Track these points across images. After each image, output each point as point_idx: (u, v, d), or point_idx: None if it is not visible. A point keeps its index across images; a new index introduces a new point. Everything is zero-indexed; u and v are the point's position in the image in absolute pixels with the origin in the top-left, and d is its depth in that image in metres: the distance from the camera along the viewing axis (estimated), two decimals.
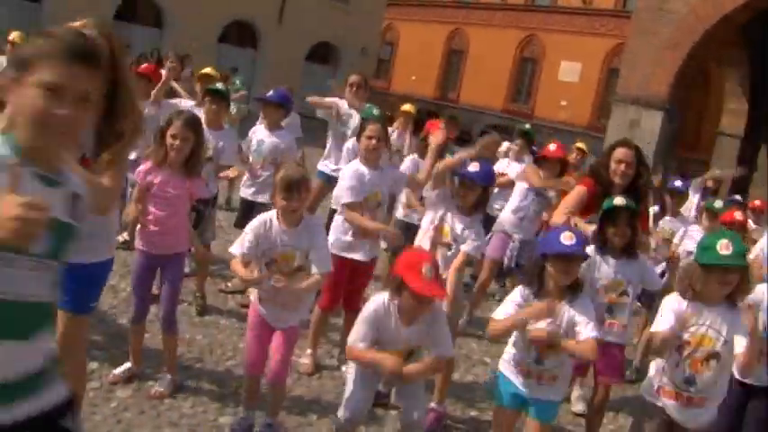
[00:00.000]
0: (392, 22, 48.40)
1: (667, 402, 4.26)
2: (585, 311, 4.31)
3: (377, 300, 4.40)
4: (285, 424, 5.08)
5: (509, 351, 4.53)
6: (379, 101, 31.35)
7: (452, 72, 47.36)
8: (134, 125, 3.21)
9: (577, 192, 6.18)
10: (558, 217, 6.06)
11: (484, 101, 41.76)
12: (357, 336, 4.33)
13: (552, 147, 8.48)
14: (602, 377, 5.39)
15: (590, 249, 5.15)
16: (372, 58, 38.34)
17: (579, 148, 11.36)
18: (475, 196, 5.58)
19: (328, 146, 8.71)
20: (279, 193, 4.57)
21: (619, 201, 5.21)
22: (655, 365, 4.43)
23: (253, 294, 4.87)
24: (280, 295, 4.63)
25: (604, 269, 5.21)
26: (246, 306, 5.55)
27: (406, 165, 7.80)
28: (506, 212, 8.13)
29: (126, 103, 3.14)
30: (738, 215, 7.04)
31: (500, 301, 5.05)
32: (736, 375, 4.88)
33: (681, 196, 8.28)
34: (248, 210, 7.41)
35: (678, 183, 8.40)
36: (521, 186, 8.17)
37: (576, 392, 6.48)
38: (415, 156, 8.00)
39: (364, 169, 5.96)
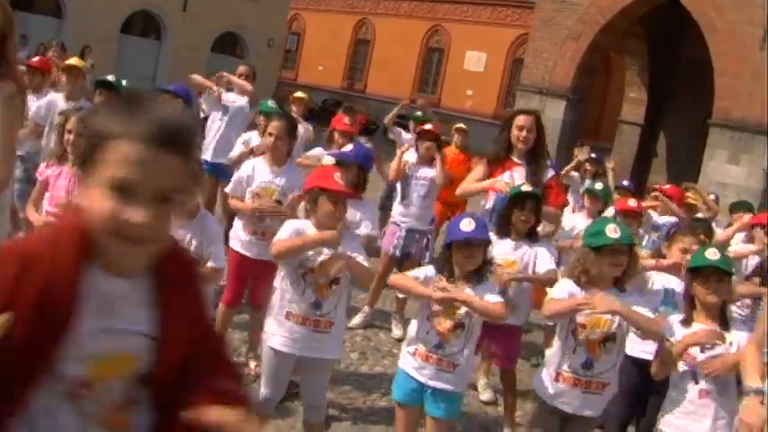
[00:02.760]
0: (298, 12, 48.11)
1: (566, 389, 4.31)
2: (492, 293, 4.39)
3: (296, 220, 4.59)
4: None
5: (410, 335, 4.54)
6: (286, 92, 30.95)
7: (359, 62, 47.39)
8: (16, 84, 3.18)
9: (476, 170, 6.46)
10: (466, 184, 6.43)
11: (391, 91, 41.83)
12: (280, 236, 4.38)
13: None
14: (497, 360, 5.86)
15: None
16: (279, 49, 38.05)
17: (460, 129, 10.91)
18: (352, 175, 5.25)
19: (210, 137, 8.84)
20: None
21: (526, 187, 5.41)
22: (551, 353, 4.51)
23: None
24: None
25: (500, 248, 5.31)
26: None
27: (315, 152, 7.79)
28: (396, 203, 7.99)
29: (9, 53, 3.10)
30: (632, 203, 7.18)
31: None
32: (628, 352, 5.03)
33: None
34: None
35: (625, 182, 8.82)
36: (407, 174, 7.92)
37: (482, 381, 6.56)
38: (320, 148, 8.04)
39: (264, 166, 5.91)
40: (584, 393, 4.30)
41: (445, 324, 4.32)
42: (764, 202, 13.92)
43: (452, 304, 4.28)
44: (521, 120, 6.18)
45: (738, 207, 9.53)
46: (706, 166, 21.60)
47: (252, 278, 5.95)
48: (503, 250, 5.35)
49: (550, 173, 6.35)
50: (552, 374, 4.37)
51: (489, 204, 6.11)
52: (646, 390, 4.88)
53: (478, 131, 11.19)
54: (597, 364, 4.26)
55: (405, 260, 7.59)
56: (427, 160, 7.73)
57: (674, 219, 8.32)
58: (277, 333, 4.39)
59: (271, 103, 7.94)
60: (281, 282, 4.42)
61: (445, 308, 4.31)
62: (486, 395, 6.48)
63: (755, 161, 20.66)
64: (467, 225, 4.29)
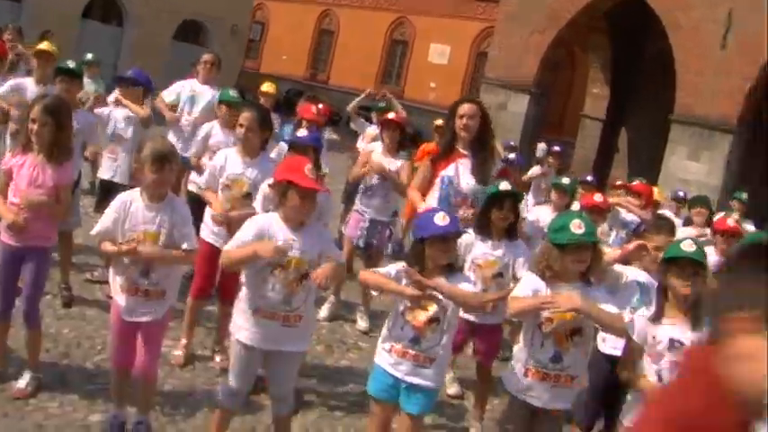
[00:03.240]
0: (263, 1, 47.79)
1: (535, 383, 4.30)
2: (465, 283, 4.43)
3: (260, 215, 4.57)
4: (158, 419, 4.93)
5: (385, 332, 4.50)
6: (248, 81, 30.52)
7: (323, 53, 47.26)
8: None
9: (421, 169, 6.49)
10: (413, 196, 6.44)
11: (354, 82, 41.66)
12: (235, 242, 4.30)
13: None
14: (480, 357, 5.85)
15: (469, 232, 5.38)
16: (242, 38, 37.73)
17: (440, 127, 10.75)
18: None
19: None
20: (149, 166, 4.39)
21: (504, 186, 5.42)
22: (519, 348, 4.49)
23: (112, 284, 4.62)
24: (142, 278, 4.47)
25: (480, 248, 5.42)
26: None
27: (283, 147, 7.71)
28: (360, 193, 8.00)
29: None
30: (598, 198, 7.25)
31: None
32: (600, 348, 5.07)
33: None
34: (107, 192, 7.21)
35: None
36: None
37: (449, 374, 6.54)
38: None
39: (236, 157, 5.86)
40: (553, 387, 4.30)
41: (420, 318, 4.29)
42: (726, 196, 14.10)
43: (426, 299, 4.26)
44: (463, 108, 6.20)
45: (696, 202, 9.76)
46: (667, 162, 21.76)
47: (221, 270, 5.87)
48: (482, 250, 5.43)
49: (500, 165, 6.46)
50: (521, 369, 4.36)
51: (436, 195, 6.15)
52: (615, 385, 4.89)
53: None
54: (566, 358, 4.26)
55: (368, 250, 7.67)
56: (392, 150, 7.72)
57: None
58: (245, 327, 4.33)
59: (232, 93, 7.80)
60: (249, 277, 4.35)
61: (419, 302, 4.28)
62: (452, 389, 6.47)
63: (716, 158, 20.86)
64: (441, 219, 4.27)
